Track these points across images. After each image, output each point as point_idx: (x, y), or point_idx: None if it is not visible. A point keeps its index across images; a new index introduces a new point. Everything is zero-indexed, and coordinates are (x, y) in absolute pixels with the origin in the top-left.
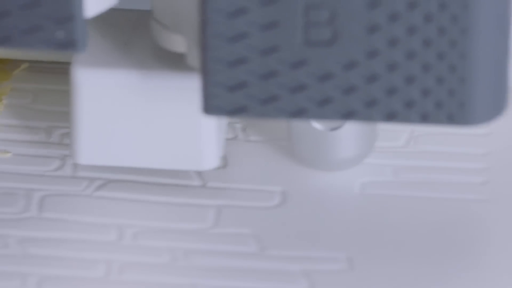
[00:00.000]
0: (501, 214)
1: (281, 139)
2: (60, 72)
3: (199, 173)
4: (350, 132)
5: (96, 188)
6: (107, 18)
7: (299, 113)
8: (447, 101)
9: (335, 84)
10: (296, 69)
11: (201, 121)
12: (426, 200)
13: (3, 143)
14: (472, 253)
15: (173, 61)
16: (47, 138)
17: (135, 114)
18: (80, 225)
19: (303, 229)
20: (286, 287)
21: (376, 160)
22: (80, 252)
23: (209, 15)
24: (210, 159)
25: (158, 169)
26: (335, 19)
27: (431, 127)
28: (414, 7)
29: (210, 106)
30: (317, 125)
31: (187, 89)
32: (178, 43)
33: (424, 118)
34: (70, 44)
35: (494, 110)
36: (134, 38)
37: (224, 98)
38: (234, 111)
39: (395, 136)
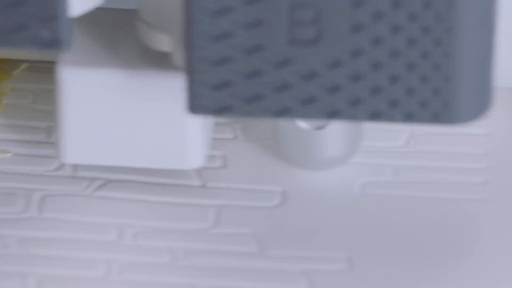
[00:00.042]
0: (501, 214)
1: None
2: None
3: (199, 173)
4: (335, 131)
5: (96, 188)
6: (93, 17)
7: (284, 112)
8: (432, 100)
9: (320, 83)
10: (280, 68)
11: (186, 120)
12: (426, 200)
13: (3, 143)
14: (472, 253)
15: (158, 61)
16: (47, 138)
17: (121, 113)
18: (80, 225)
19: (303, 229)
20: (286, 287)
21: (376, 160)
22: (80, 252)
23: (193, 14)
24: (195, 158)
25: (157, 169)
26: (320, 18)
27: (431, 127)
28: (398, 6)
29: (195, 105)
30: (302, 124)
31: (173, 88)
32: (164, 42)
33: (409, 117)
34: (55, 43)
35: (478, 109)
36: (120, 38)
37: (209, 97)
38: (219, 110)
39: (395, 136)
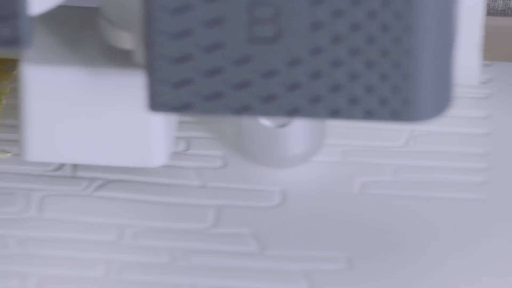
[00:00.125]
0: (501, 214)
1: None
2: None
3: (199, 173)
4: (298, 129)
5: (95, 188)
6: (56, 16)
7: (244, 109)
8: (391, 97)
9: (279, 81)
10: (240, 65)
11: (149, 118)
12: (426, 200)
13: (3, 143)
14: (472, 253)
15: (121, 59)
16: None
17: (84, 111)
18: (79, 225)
19: (303, 229)
20: (286, 287)
21: (376, 159)
22: (79, 252)
23: (153, 12)
24: (159, 156)
25: (155, 169)
26: (279, 16)
27: (430, 126)
28: (357, 4)
29: (156, 103)
30: (266, 122)
31: (136, 86)
32: (126, 40)
33: (369, 115)
34: (15, 41)
35: (439, 107)
36: (83, 36)
37: (169, 95)
38: (179, 108)
39: (395, 135)
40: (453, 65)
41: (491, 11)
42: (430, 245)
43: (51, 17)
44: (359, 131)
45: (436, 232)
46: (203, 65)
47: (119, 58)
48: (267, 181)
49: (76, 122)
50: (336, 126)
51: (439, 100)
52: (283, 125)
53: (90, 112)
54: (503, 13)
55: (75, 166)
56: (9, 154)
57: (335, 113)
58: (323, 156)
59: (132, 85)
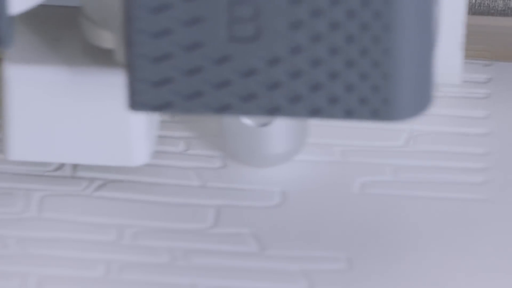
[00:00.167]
0: (501, 214)
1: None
2: None
3: (199, 173)
4: (280, 128)
5: (95, 188)
6: (37, 15)
7: (224, 108)
8: (371, 97)
9: (259, 80)
10: (220, 64)
11: (130, 117)
12: (426, 200)
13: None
14: (472, 253)
15: (103, 58)
16: None
17: (66, 110)
18: (79, 225)
19: (303, 229)
20: (286, 287)
21: (376, 159)
22: (79, 252)
23: (133, 11)
24: (140, 155)
25: (155, 169)
26: (259, 15)
27: (430, 126)
28: (336, 3)
29: (136, 102)
30: (247, 121)
31: (117, 85)
32: (107, 39)
33: (348, 114)
34: None
35: (418, 106)
36: (64, 35)
37: (149, 94)
38: (159, 107)
39: (395, 135)
40: (434, 65)
41: (491, 11)
42: (430, 245)
43: (32, 17)
44: (359, 131)
45: (436, 232)
46: (183, 64)
47: (100, 57)
48: (267, 181)
49: (58, 121)
50: (336, 126)
51: (419, 99)
52: (264, 124)
53: (72, 111)
54: (503, 13)
55: (75, 166)
56: None
57: (315, 112)
58: (323, 156)
59: (114, 84)
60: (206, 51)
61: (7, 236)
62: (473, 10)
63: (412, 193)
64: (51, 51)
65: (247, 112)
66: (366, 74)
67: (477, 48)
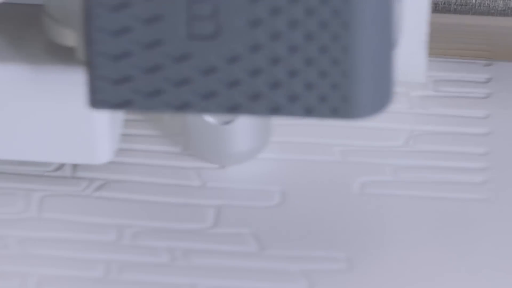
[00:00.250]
0: (501, 214)
1: (283, 139)
2: None
3: (199, 173)
4: (243, 126)
5: (95, 189)
6: (0, 13)
7: (184, 106)
8: (331, 95)
9: (219, 78)
10: (180, 62)
11: (93, 115)
12: (426, 200)
13: None
14: (472, 253)
15: (65, 56)
16: None
17: (29, 108)
18: (79, 225)
19: (303, 229)
20: (286, 287)
21: (376, 159)
22: (79, 252)
23: (92, 9)
24: (103, 153)
25: (155, 169)
26: (218, 13)
27: (430, 126)
28: (295, 1)
29: (96, 100)
30: (210, 119)
31: (80, 83)
32: (69, 37)
33: (308, 112)
34: None
35: (378, 104)
36: (27, 33)
37: (109, 91)
38: (119, 104)
39: (395, 135)
40: (394, 63)
41: (491, 11)
42: (430, 245)
43: None
44: (359, 131)
45: (436, 232)
46: (143, 62)
47: (63, 55)
48: (267, 181)
49: (21, 119)
50: (336, 126)
51: (379, 97)
52: (227, 122)
53: (34, 109)
54: (503, 13)
55: (75, 167)
56: None
57: (275, 110)
58: (323, 156)
59: (76, 82)
60: (166, 49)
61: (7, 236)
62: (473, 10)
63: (412, 193)
64: (14, 49)
65: (207, 110)
66: (326, 72)
67: (477, 48)
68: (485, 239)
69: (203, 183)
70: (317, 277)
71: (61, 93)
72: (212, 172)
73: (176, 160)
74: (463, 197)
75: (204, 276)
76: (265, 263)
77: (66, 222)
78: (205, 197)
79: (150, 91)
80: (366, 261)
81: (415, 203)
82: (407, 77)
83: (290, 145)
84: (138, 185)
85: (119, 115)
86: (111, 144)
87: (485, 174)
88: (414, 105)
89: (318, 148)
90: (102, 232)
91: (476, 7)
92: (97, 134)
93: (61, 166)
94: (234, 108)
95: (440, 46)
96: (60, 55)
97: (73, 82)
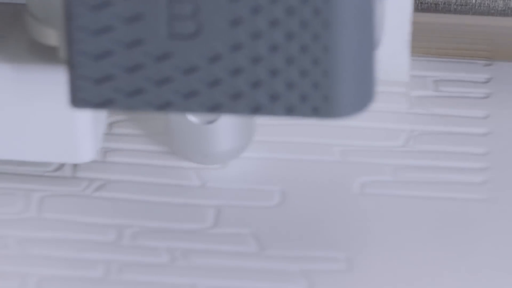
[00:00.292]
0: (501, 214)
1: (282, 139)
2: None
3: (198, 173)
4: (226, 126)
5: (95, 189)
6: None
7: (166, 105)
8: (312, 94)
9: (200, 77)
10: (161, 62)
11: (76, 114)
12: (426, 200)
13: None
14: (472, 253)
15: (47, 55)
16: None
17: (11, 108)
18: (79, 226)
19: (303, 229)
20: (286, 287)
21: (376, 159)
22: (79, 253)
23: (73, 8)
24: (86, 152)
25: (155, 169)
26: (199, 12)
27: (430, 126)
28: (275, 1)
29: (77, 99)
30: (192, 118)
31: (62, 82)
32: (51, 36)
33: (289, 111)
34: None
35: (360, 104)
36: (9, 32)
37: (90, 91)
38: (101, 104)
39: (395, 135)
40: (375, 62)
41: (491, 11)
42: (430, 245)
43: None
44: (359, 131)
45: (436, 232)
46: (124, 61)
47: (45, 55)
48: (267, 181)
49: (2, 117)
50: (336, 126)
51: (360, 97)
52: (210, 122)
53: (17, 108)
54: (503, 13)
55: (74, 167)
56: None
57: (257, 109)
58: (323, 155)
59: (59, 81)
60: (147, 48)
61: (7, 236)
62: (473, 10)
63: (412, 193)
64: None
65: (189, 109)
66: (307, 71)
67: (477, 48)
68: (485, 239)
69: (203, 183)
70: (317, 277)
71: (43, 92)
72: (212, 172)
73: (176, 160)
74: (463, 197)
75: (204, 276)
76: (265, 263)
77: (66, 222)
78: (205, 197)
79: (131, 90)
80: (366, 261)
81: (415, 203)
82: (390, 77)
83: (290, 145)
84: (138, 185)
85: (102, 114)
86: (94, 143)
87: (485, 174)
88: (414, 105)
89: (318, 148)
90: (102, 232)
91: (476, 7)
92: (80, 133)
93: (61, 166)
94: (215, 107)
95: (440, 46)
96: (43, 54)
97: (55, 81)
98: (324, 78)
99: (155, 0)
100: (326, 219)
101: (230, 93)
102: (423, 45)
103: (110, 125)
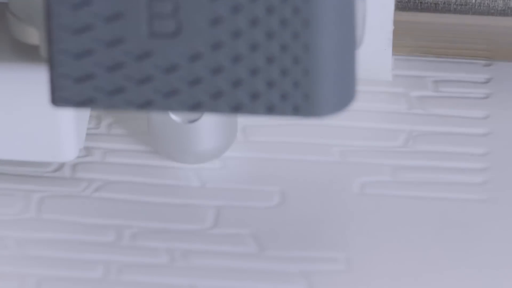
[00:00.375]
0: (501, 214)
1: (282, 140)
2: None
3: (198, 174)
4: (208, 125)
5: (94, 189)
6: None
7: (147, 104)
8: (292, 92)
9: (181, 76)
10: (141, 60)
11: (59, 113)
12: (426, 200)
13: None
14: (472, 253)
15: (29, 54)
16: None
17: None
18: (78, 226)
19: (302, 229)
20: (285, 287)
21: (375, 160)
22: (78, 253)
23: (53, 6)
24: (69, 151)
25: (155, 170)
26: (179, 11)
27: (430, 126)
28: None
29: (58, 98)
30: (174, 117)
31: (44, 81)
32: (32, 35)
33: (270, 110)
34: None
35: (341, 102)
36: None
37: (71, 89)
38: (82, 102)
39: (394, 135)
40: (356, 61)
41: (491, 11)
42: (430, 245)
43: None
44: (358, 131)
45: (436, 232)
46: (104, 60)
47: (27, 54)
48: (267, 181)
49: None
50: (335, 126)
51: (341, 96)
52: (192, 121)
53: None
54: (503, 13)
55: (74, 167)
56: None
57: (237, 108)
58: (323, 156)
59: (40, 80)
60: (127, 47)
61: (6, 236)
62: (473, 10)
63: (412, 193)
64: None
65: (170, 108)
66: (287, 70)
67: (477, 48)
68: (485, 239)
69: (202, 184)
70: (317, 278)
71: (25, 91)
72: (211, 173)
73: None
74: (463, 197)
75: (203, 277)
76: (264, 264)
77: (66, 223)
78: (204, 197)
79: (112, 89)
80: (365, 262)
81: (414, 204)
82: (373, 75)
83: (290, 145)
84: (137, 185)
85: (85, 113)
86: (77, 142)
87: (485, 175)
88: (413, 105)
89: (318, 148)
90: (101, 232)
91: (476, 7)
92: (62, 132)
93: (60, 167)
94: (196, 106)
95: (440, 46)
96: (25, 53)
97: (38, 80)
98: (304, 77)
99: None
100: (326, 219)
101: (210, 92)
102: (423, 45)
103: (109, 125)
